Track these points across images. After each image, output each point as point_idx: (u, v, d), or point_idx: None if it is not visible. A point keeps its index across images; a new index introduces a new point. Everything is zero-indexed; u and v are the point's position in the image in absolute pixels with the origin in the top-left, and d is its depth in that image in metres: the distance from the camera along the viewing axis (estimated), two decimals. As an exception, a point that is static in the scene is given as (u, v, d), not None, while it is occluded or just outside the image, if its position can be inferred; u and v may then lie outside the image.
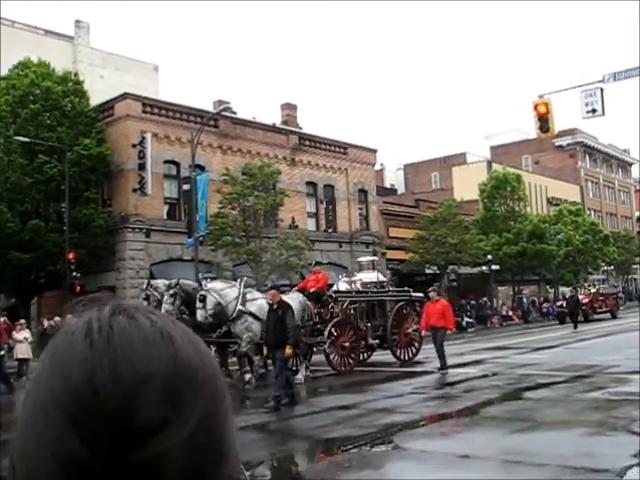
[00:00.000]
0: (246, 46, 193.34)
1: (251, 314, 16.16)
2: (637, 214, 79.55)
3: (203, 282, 17.86)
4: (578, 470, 6.92)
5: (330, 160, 38.78)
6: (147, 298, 17.59)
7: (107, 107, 31.02)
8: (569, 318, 32.76)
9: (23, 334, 22.69)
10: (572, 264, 50.15)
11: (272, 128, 36.24)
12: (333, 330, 17.87)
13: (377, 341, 19.79)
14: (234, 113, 34.43)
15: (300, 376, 16.20)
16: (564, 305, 37.32)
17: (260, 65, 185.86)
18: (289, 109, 41.23)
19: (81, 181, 28.24)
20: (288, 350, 12.57)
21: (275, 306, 13.13)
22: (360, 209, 40.61)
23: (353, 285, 20.75)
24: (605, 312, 39.44)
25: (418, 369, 17.86)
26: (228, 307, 16.02)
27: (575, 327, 31.18)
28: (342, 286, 20.39)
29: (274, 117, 40.26)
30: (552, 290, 53.77)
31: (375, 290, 20.72)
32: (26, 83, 28.29)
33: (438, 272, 42.38)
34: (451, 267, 42.16)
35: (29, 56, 30.46)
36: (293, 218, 34.56)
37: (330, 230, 38.27)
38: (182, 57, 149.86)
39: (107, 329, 0.62)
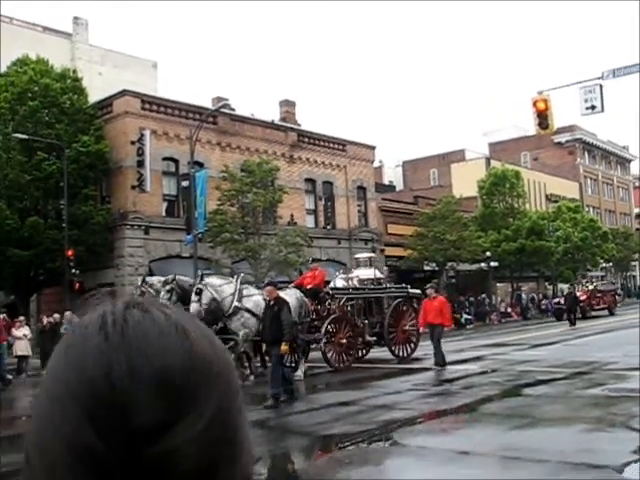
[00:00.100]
0: (244, 43, 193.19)
1: (247, 310, 16.14)
2: (636, 211, 79.70)
3: (204, 276, 17.76)
4: (578, 466, 6.93)
5: (329, 157, 38.76)
6: (142, 295, 17.55)
7: (106, 104, 30.98)
8: (566, 315, 32.68)
9: (22, 331, 22.71)
10: (571, 261, 50.19)
11: (271, 125, 36.22)
12: (330, 327, 17.84)
13: (374, 338, 19.75)
14: (233, 110, 34.40)
15: (300, 372, 16.19)
16: (561, 302, 37.34)
17: (259, 62, 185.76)
18: (288, 106, 41.19)
19: (80, 178, 28.22)
20: (283, 346, 12.52)
21: (272, 302, 13.11)
22: (359, 206, 40.61)
23: (350, 282, 20.72)
24: (603, 309, 39.43)
25: (417, 366, 17.87)
26: (224, 303, 15.98)
27: (571, 324, 31.07)
28: (339, 283, 20.38)
29: (273, 114, 40.27)
30: (551, 287, 53.79)
31: (372, 287, 20.67)
32: (25, 80, 28.27)
33: (437, 269, 42.39)
34: (450, 264, 42.17)
35: (27, 53, 30.40)
36: (292, 215, 34.55)
37: (329, 227, 38.28)
38: (181, 54, 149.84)
39: (121, 322, 0.62)
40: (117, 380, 0.58)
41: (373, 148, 42.69)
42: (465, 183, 49.32)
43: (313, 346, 18.16)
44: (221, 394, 0.63)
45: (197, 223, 26.45)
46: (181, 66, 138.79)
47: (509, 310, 45.60)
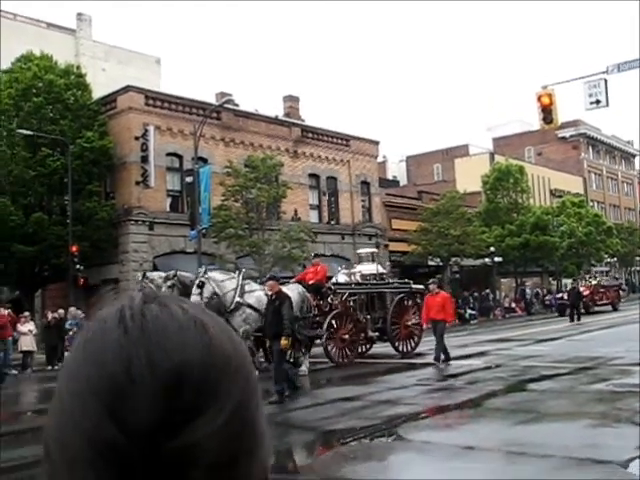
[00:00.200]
0: (248, 38, 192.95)
1: (249, 306, 16.08)
2: (640, 206, 79.47)
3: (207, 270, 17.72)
4: (582, 461, 6.93)
5: (332, 152, 38.74)
6: (142, 290, 17.50)
7: (110, 100, 31.00)
8: (569, 310, 32.58)
9: (27, 326, 22.81)
10: (575, 256, 50.10)
11: (274, 120, 36.20)
12: (332, 322, 17.81)
13: (377, 333, 19.72)
14: (236, 105, 34.36)
15: (304, 368, 16.20)
16: (564, 297, 37.27)
17: (262, 57, 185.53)
18: (291, 101, 41.16)
19: (84, 174, 28.25)
20: (283, 341, 12.44)
21: (273, 297, 13.08)
22: (363, 201, 40.59)
23: (352, 277, 20.70)
24: (606, 304, 39.28)
25: (421, 361, 17.86)
26: (226, 298, 15.91)
27: (572, 320, 30.89)
28: (341, 278, 20.33)
29: (276, 109, 40.25)
30: (555, 282, 53.72)
31: (374, 282, 20.64)
32: (29, 76, 28.28)
33: (441, 264, 42.36)
34: (454, 259, 42.13)
35: (31, 49, 30.41)
36: (296, 210, 34.56)
37: (333, 222, 38.28)
38: (184, 50, 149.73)
39: (140, 317, 0.62)
40: (137, 375, 0.58)
41: (377, 143, 42.66)
42: (469, 178, 49.26)
43: (318, 342, 18.10)
44: (240, 389, 0.63)
45: (201, 219, 26.47)
46: (184, 62, 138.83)
47: (513, 305, 45.55)
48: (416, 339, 19.97)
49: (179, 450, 0.57)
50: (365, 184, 40.83)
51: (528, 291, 46.69)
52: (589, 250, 51.12)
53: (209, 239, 27.98)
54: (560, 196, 57.32)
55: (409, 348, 19.78)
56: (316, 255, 20.94)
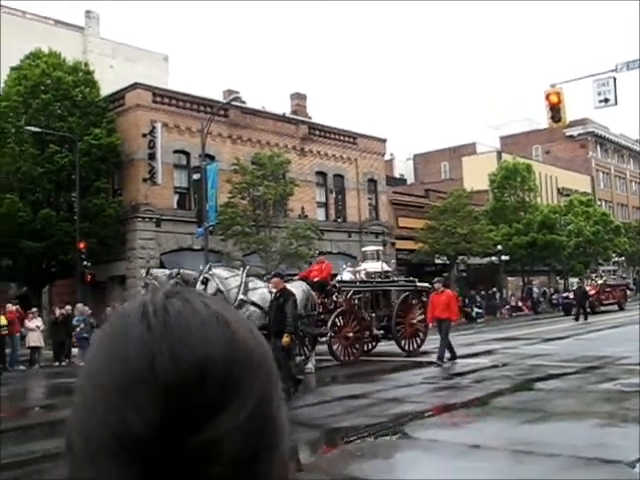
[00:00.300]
0: (255, 36, 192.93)
1: (253, 303, 16.06)
2: (648, 204, 79.12)
3: (211, 267, 17.73)
4: (590, 461, 6.91)
5: (340, 150, 38.73)
6: (146, 287, 17.52)
7: (117, 97, 31.09)
8: (575, 310, 32.46)
9: (35, 322, 22.90)
10: (582, 255, 49.94)
11: (282, 118, 36.21)
12: (337, 320, 17.77)
13: (382, 331, 19.64)
14: (244, 103, 34.40)
15: (311, 365, 16.21)
16: (570, 296, 37.15)
17: (270, 55, 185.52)
18: (298, 99, 41.17)
19: (92, 171, 28.34)
20: (285, 338, 12.36)
21: (278, 294, 13.05)
22: (370, 199, 40.57)
23: (357, 275, 20.66)
24: (612, 304, 39.06)
25: (427, 359, 17.82)
26: (229, 296, 15.87)
27: (577, 319, 30.83)
28: (346, 276, 20.27)
29: (284, 107, 40.26)
30: (562, 281, 53.58)
31: (380, 280, 20.59)
32: (37, 73, 28.39)
33: (448, 262, 42.33)
34: (461, 257, 42.08)
35: (40, 47, 30.51)
36: (303, 208, 34.57)
37: (340, 220, 38.27)
38: (191, 47, 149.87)
39: (162, 312, 0.62)
40: (161, 370, 0.58)
41: (384, 141, 42.62)
42: (476, 176, 49.19)
43: (324, 339, 18.07)
44: (262, 384, 0.63)
45: (208, 216, 26.52)
46: (192, 59, 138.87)
47: (520, 304, 45.45)
48: (421, 337, 19.89)
49: (202, 445, 0.57)
50: (372, 182, 40.82)
51: (535, 290, 46.57)
52: (597, 249, 50.96)
53: (216, 236, 28.02)
54: (568, 195, 57.16)
55: (414, 346, 19.71)
56: (320, 253, 20.89)
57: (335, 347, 17.61)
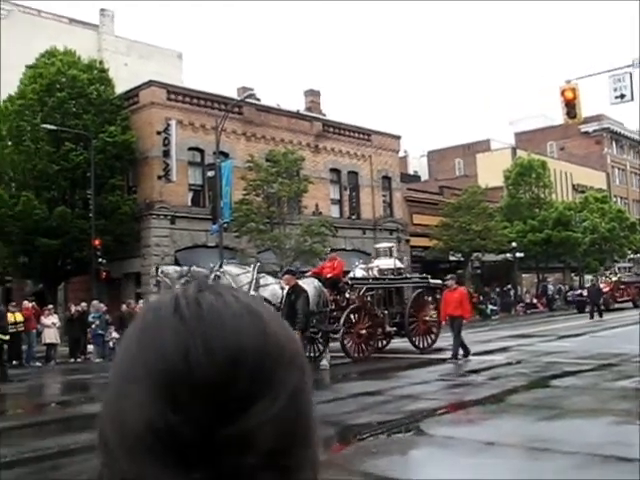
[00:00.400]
0: (269, 33, 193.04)
1: (264, 300, 16.11)
2: (665, 201, 78.34)
3: (223, 264, 17.76)
4: (607, 459, 6.86)
5: (354, 147, 38.68)
6: (157, 284, 17.57)
7: (132, 95, 31.20)
8: (590, 307, 32.19)
9: (51, 319, 23.08)
10: (598, 252, 49.60)
11: (296, 115, 36.21)
12: (349, 317, 17.72)
13: (395, 328, 19.57)
14: (258, 100, 34.45)
15: (325, 362, 16.21)
16: (583, 294, 36.89)
17: (284, 52, 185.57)
18: (313, 96, 41.19)
19: (107, 168, 28.47)
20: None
21: (290, 291, 13.04)
22: (384, 196, 40.49)
23: (370, 272, 20.59)
24: (627, 301, 38.73)
25: (442, 356, 17.77)
26: None
27: (592, 317, 30.60)
28: (359, 273, 20.24)
29: (298, 104, 40.28)
30: (577, 278, 53.25)
31: (392, 277, 20.50)
32: (52, 72, 28.56)
33: (462, 259, 42.21)
34: (475, 254, 41.96)
35: (55, 45, 30.68)
36: (317, 205, 34.56)
37: (354, 217, 38.24)
38: (206, 44, 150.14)
39: (195, 305, 0.62)
40: (194, 361, 0.58)
41: (398, 138, 42.52)
42: (491, 173, 48.95)
43: (336, 336, 18.03)
44: (295, 377, 0.63)
45: (223, 213, 26.58)
46: (206, 56, 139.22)
47: (535, 301, 45.25)
48: (434, 335, 19.83)
49: (234, 437, 0.57)
50: (386, 179, 40.74)
51: (550, 287, 46.32)
52: (612, 246, 50.57)
53: (230, 233, 28.08)
54: (583, 191, 56.79)
55: (427, 343, 19.64)
56: (332, 250, 20.85)
57: (347, 344, 17.58)
